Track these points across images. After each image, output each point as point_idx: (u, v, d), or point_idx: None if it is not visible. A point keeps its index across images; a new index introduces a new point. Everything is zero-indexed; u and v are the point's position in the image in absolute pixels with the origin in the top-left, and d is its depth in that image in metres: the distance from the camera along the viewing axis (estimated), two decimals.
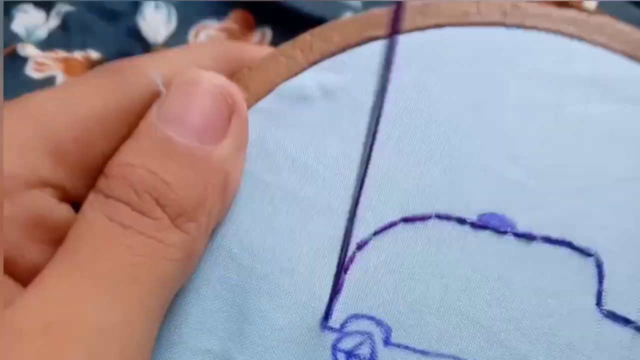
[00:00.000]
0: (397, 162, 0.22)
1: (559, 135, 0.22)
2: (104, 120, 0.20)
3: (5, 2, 0.34)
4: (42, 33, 0.34)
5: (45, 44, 0.34)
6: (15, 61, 0.33)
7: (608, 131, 0.22)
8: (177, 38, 0.35)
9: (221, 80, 0.21)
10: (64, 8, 0.35)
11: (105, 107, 0.20)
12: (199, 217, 0.19)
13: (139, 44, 0.34)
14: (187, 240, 0.19)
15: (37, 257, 0.19)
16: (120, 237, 0.18)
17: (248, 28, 0.35)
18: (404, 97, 0.23)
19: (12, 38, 0.34)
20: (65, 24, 0.35)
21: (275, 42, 0.33)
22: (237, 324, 0.21)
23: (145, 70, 0.21)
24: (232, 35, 0.34)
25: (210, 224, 0.20)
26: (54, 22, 0.35)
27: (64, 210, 0.20)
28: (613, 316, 0.20)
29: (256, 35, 0.34)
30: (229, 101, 0.21)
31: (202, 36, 0.35)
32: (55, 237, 0.19)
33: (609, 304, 0.21)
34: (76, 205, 0.20)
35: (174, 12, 0.35)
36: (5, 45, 0.33)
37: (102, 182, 0.19)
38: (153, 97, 0.20)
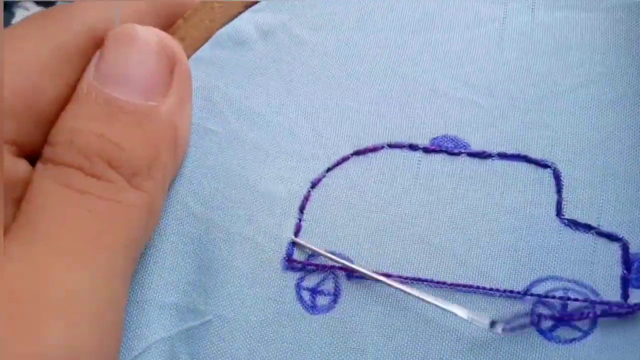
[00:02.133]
0: (344, 97, 0.22)
1: (506, 48, 0.22)
2: (42, 65, 0.19)
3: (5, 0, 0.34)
4: None
5: None
6: None
7: (557, 39, 0.22)
8: None
9: (158, 33, 0.20)
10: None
11: (41, 52, 0.19)
12: (155, 174, 0.19)
13: None
14: (146, 198, 0.19)
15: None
16: (79, 203, 0.18)
17: None
18: (344, 29, 0.22)
19: None
20: None
21: None
22: (198, 275, 0.21)
23: (79, 15, 0.20)
24: None
25: (166, 179, 0.20)
26: None
27: (21, 165, 0.19)
28: (574, 224, 0.20)
29: None
30: (169, 54, 0.20)
31: None
32: (16, 196, 0.19)
33: (569, 213, 0.20)
34: (33, 160, 0.19)
35: None
36: None
37: (48, 150, 0.19)
38: (90, 39, 0.20)
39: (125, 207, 0.19)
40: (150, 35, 0.20)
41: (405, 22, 0.22)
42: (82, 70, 0.20)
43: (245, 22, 0.22)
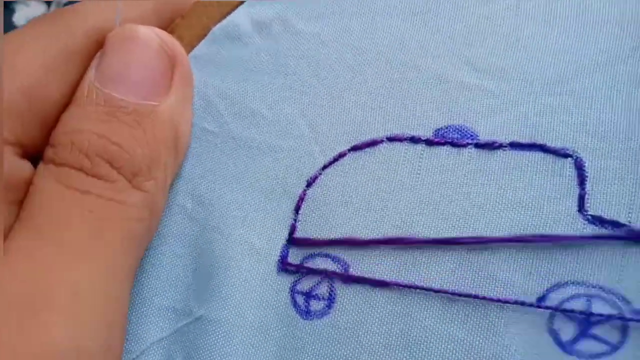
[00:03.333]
0: (343, 89, 0.20)
1: (521, 25, 0.19)
2: (48, 66, 0.19)
3: None
4: None
5: None
6: None
7: (579, 11, 0.19)
8: None
9: (159, 33, 0.20)
10: (64, 0, 0.35)
11: (47, 53, 0.19)
12: (155, 174, 0.19)
13: None
14: (148, 198, 0.19)
15: (4, 219, 0.18)
16: (80, 203, 0.18)
17: None
18: (342, 18, 0.21)
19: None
20: None
21: None
22: (194, 278, 0.20)
23: (84, 16, 0.20)
24: None
25: (166, 179, 0.20)
26: None
27: (25, 167, 0.19)
28: (600, 221, 0.18)
29: None
30: (170, 54, 0.20)
31: None
32: (19, 197, 0.19)
33: (594, 208, 0.18)
34: (36, 161, 0.19)
35: None
36: None
37: (49, 152, 0.19)
38: (96, 40, 0.20)
39: (127, 207, 0.18)
40: (151, 35, 0.20)
41: (410, 5, 0.20)
42: (85, 71, 0.20)
43: (241, 16, 0.21)
